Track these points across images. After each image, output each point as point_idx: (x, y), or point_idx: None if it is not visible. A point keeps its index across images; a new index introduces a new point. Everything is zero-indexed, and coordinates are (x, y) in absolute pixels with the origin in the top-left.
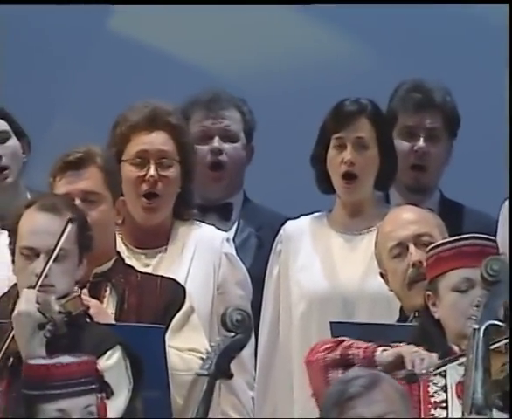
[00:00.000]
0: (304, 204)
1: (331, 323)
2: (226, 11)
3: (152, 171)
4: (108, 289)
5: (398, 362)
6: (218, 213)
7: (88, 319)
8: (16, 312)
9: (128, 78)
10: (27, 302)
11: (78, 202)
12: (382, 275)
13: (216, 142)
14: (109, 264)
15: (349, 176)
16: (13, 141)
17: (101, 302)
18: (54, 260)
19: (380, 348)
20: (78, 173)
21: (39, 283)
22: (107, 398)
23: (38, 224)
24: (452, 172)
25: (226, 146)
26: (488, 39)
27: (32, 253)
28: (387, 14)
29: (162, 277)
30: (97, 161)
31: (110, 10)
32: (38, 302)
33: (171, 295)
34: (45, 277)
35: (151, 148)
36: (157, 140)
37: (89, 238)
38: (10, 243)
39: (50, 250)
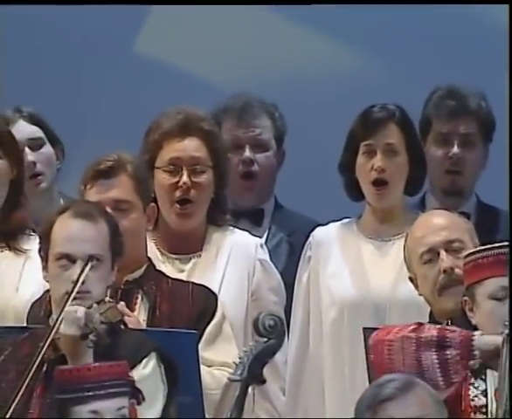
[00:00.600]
0: (335, 210)
1: (364, 329)
2: (247, 20)
3: (185, 178)
4: (140, 296)
5: (496, 352)
6: (250, 219)
7: (122, 326)
8: (64, 331)
9: (160, 83)
10: (73, 324)
11: (109, 210)
12: (411, 279)
13: (247, 152)
14: (140, 271)
15: (379, 183)
16: (47, 148)
17: (133, 309)
18: (90, 267)
19: (477, 333)
20: (108, 182)
21: (76, 289)
22: (138, 404)
23: (74, 231)
24: None
25: (258, 155)
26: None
27: (68, 260)
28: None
29: (193, 283)
30: (127, 168)
31: (144, 11)
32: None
33: (204, 303)
34: (82, 283)
35: (184, 155)
36: (190, 146)
37: (121, 244)
38: (42, 250)
39: (86, 257)
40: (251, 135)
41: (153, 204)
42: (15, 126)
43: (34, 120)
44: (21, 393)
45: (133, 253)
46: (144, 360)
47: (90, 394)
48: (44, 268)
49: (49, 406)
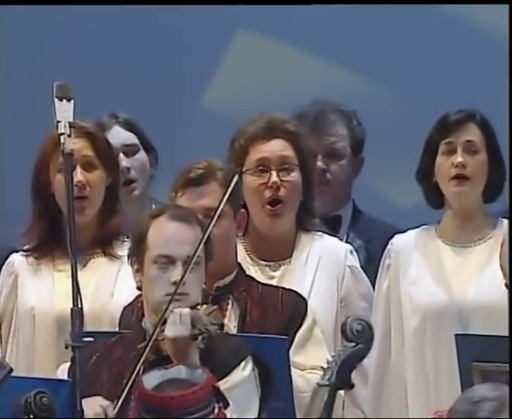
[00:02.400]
0: (414, 215)
1: (456, 336)
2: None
3: (274, 177)
4: (230, 302)
5: None
6: (327, 225)
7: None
8: (172, 334)
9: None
10: (183, 325)
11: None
12: (507, 286)
13: (319, 162)
14: (231, 277)
15: (460, 178)
16: (141, 155)
17: (224, 315)
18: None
19: None
20: (199, 189)
21: (177, 290)
22: (225, 408)
23: (173, 233)
24: None
25: (331, 165)
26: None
27: (168, 261)
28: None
29: (283, 288)
30: (217, 176)
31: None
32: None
33: (294, 308)
34: (182, 285)
35: (271, 155)
36: (276, 146)
37: (212, 248)
38: (135, 254)
39: (186, 259)
40: (324, 144)
41: (243, 210)
42: (110, 131)
43: (129, 126)
44: (123, 396)
45: (223, 260)
46: (243, 363)
47: None
48: (138, 272)
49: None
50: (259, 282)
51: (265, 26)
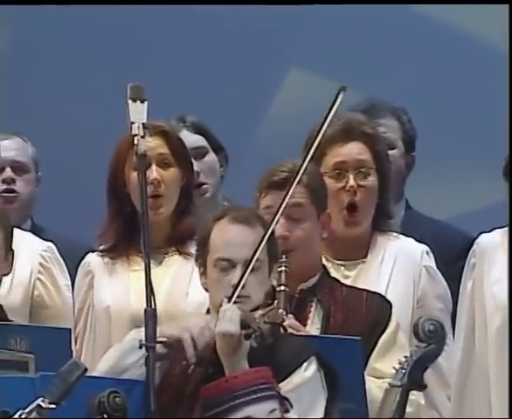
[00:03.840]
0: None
1: None
2: None
3: (351, 181)
4: (314, 304)
5: None
6: None
7: (282, 331)
8: (220, 331)
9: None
10: (231, 322)
11: (282, 220)
12: None
13: None
14: (315, 279)
15: None
16: (210, 157)
17: (307, 318)
18: (250, 271)
19: None
20: (282, 192)
21: (236, 293)
22: (286, 412)
23: (234, 236)
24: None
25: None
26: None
27: (229, 264)
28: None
29: (367, 291)
30: (302, 178)
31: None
32: (240, 316)
33: (378, 312)
34: (242, 287)
35: (349, 159)
36: (354, 150)
37: (277, 250)
38: (199, 256)
39: (246, 261)
40: None
41: (328, 212)
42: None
43: (197, 128)
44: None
45: (307, 262)
46: (305, 364)
47: (242, 400)
48: (203, 274)
49: None
50: (343, 284)
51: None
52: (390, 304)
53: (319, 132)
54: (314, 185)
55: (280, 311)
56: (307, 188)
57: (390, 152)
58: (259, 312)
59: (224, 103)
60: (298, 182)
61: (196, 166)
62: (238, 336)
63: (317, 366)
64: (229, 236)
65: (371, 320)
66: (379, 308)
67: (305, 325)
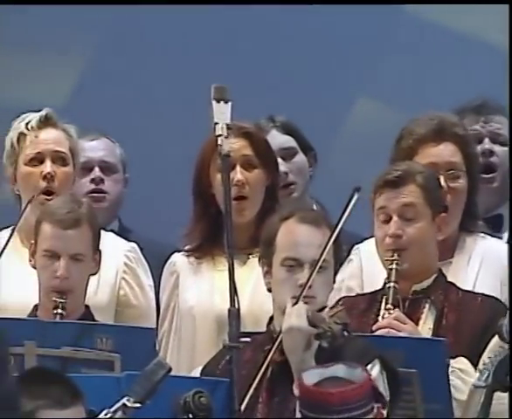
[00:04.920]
0: None
1: None
2: None
3: (442, 182)
4: (427, 305)
5: None
6: (488, 225)
7: (346, 333)
8: (287, 326)
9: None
10: (298, 317)
11: (395, 218)
12: None
13: (487, 144)
14: (429, 281)
15: None
16: (300, 157)
17: (419, 318)
18: (317, 271)
19: None
20: (396, 190)
21: (304, 293)
22: (383, 408)
23: (302, 236)
24: None
25: (497, 148)
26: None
27: (296, 264)
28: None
29: (483, 295)
30: (416, 178)
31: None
32: (307, 315)
33: (491, 314)
34: (309, 288)
35: (440, 160)
36: (445, 151)
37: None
38: (265, 256)
39: (313, 262)
40: (490, 129)
41: (444, 214)
42: (268, 135)
43: (286, 129)
44: (247, 398)
45: (420, 262)
46: (369, 366)
47: (335, 417)
48: (267, 274)
49: (278, 411)
50: (459, 288)
51: None
52: (505, 307)
53: (333, 233)
54: (429, 186)
55: (397, 312)
56: (421, 189)
57: (504, 148)
58: (328, 311)
59: (312, 100)
60: (413, 182)
61: (285, 166)
62: (305, 332)
63: (380, 368)
64: (297, 236)
65: (484, 322)
66: (493, 310)
67: (417, 324)
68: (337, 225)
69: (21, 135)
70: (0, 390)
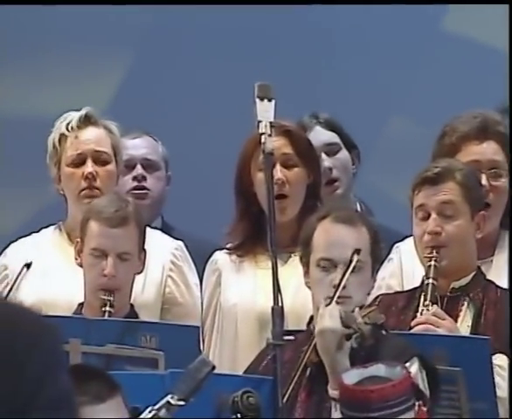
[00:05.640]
0: None
1: None
2: None
3: (484, 181)
4: (465, 303)
5: None
6: None
7: (384, 331)
8: (320, 327)
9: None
10: (331, 318)
11: (434, 215)
12: None
13: None
14: (467, 279)
15: None
16: (343, 154)
17: (457, 316)
18: (351, 271)
19: None
20: (435, 187)
21: (337, 294)
22: (425, 405)
23: (336, 236)
24: None
25: None
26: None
27: (330, 264)
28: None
29: None
30: (456, 176)
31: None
32: (340, 315)
33: None
34: (343, 288)
35: (483, 158)
36: (488, 150)
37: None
38: (303, 256)
39: (347, 262)
40: None
41: (483, 212)
42: (311, 132)
43: (330, 125)
44: (286, 398)
45: (459, 259)
46: (407, 364)
47: (376, 414)
48: (306, 273)
49: (316, 412)
50: (498, 286)
51: None
52: None
53: (336, 290)
54: (469, 184)
55: (436, 309)
56: (460, 187)
57: None
58: (357, 310)
59: (355, 99)
60: (452, 179)
61: (329, 162)
62: (338, 333)
63: (419, 366)
64: (331, 236)
65: None
66: None
67: (455, 322)
68: (339, 285)
69: (62, 136)
70: (58, 388)
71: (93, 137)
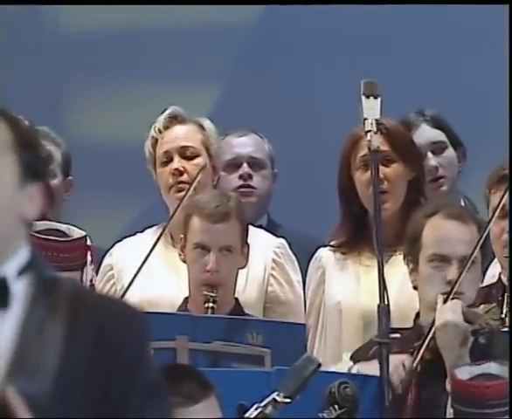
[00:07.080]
0: None
1: None
2: None
3: None
4: None
5: None
6: None
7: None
8: (442, 322)
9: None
10: (454, 313)
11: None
12: None
13: None
14: None
15: None
16: (449, 152)
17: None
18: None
19: None
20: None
21: (454, 290)
22: None
23: (449, 232)
24: None
25: None
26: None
27: (443, 261)
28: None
29: None
30: None
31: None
32: (462, 311)
33: None
34: (457, 284)
35: None
36: None
37: (489, 247)
38: (410, 253)
39: (460, 258)
40: None
41: None
42: (418, 130)
43: (437, 123)
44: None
45: None
46: None
47: (491, 411)
48: (413, 271)
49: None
50: None
51: None
52: None
53: (485, 230)
54: None
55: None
56: None
57: None
58: (482, 308)
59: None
60: None
61: (435, 160)
62: (462, 328)
63: None
64: (444, 233)
65: None
66: None
67: None
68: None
69: (153, 140)
70: (151, 372)
71: (178, 134)
